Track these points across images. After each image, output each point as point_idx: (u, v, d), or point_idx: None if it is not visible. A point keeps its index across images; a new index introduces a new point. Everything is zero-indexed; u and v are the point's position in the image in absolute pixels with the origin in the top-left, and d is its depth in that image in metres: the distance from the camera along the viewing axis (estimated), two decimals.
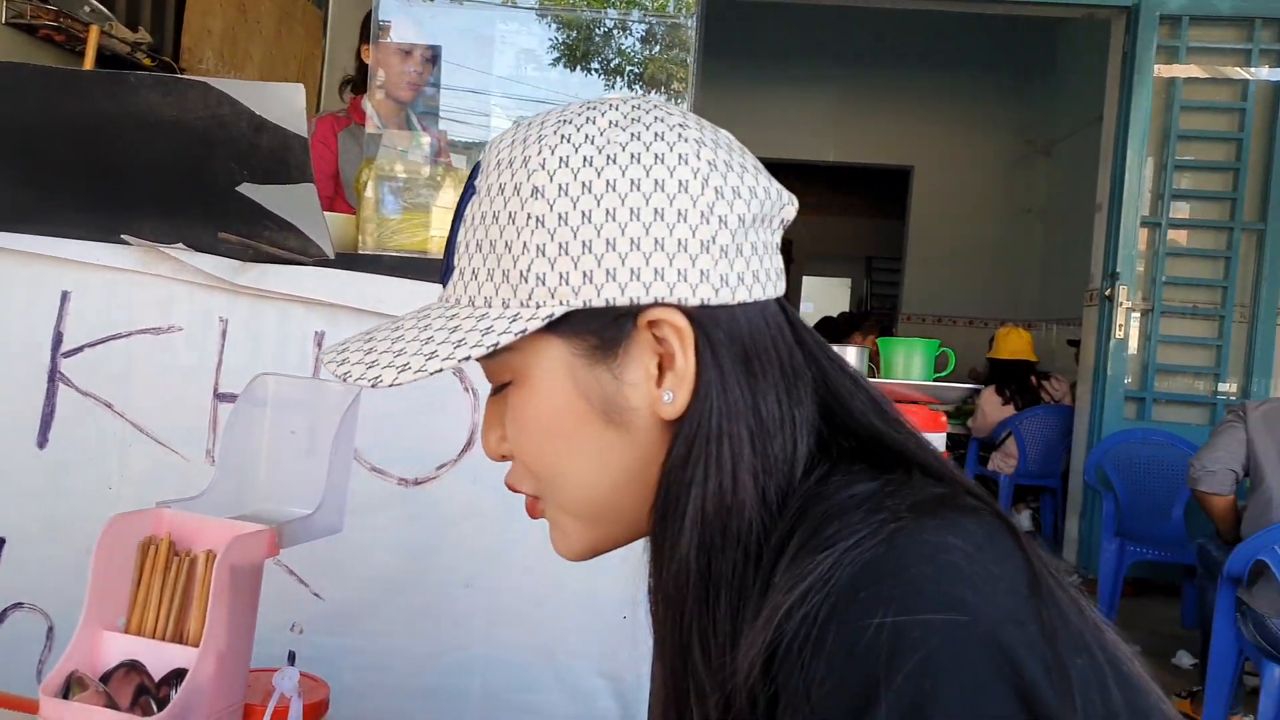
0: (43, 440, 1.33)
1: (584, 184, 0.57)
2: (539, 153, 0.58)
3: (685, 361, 0.57)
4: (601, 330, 0.58)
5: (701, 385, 0.57)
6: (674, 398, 0.58)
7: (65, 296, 1.34)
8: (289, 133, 1.19)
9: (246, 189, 1.25)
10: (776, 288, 0.61)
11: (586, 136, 0.58)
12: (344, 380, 0.60)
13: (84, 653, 0.78)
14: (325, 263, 1.30)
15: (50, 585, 1.31)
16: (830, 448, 0.58)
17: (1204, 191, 4.33)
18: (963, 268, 7.15)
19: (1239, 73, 4.23)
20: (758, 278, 0.60)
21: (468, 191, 0.62)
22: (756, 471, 0.56)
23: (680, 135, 0.59)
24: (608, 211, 0.56)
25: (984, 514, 0.50)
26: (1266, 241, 4.22)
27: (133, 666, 0.76)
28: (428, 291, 1.28)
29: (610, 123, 0.59)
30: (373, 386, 0.58)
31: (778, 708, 0.48)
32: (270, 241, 1.29)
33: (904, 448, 0.58)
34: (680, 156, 0.58)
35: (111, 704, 0.73)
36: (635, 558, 1.33)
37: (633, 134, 0.58)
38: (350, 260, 1.30)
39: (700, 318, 0.58)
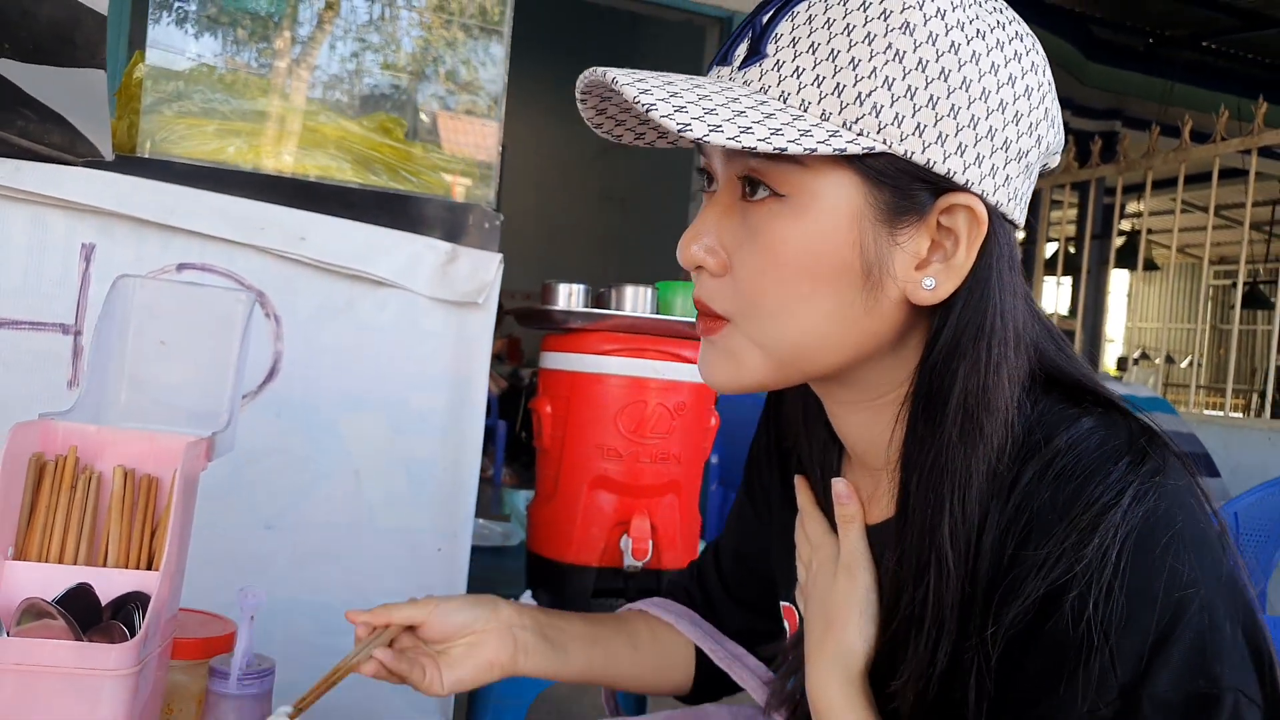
0: None
1: (952, 44, 0.56)
2: None
3: (965, 254, 0.58)
4: (901, 190, 0.57)
5: (977, 281, 0.58)
6: (935, 285, 0.58)
7: None
8: (81, 6, 1.02)
9: (3, 66, 1.04)
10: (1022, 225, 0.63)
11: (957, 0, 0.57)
12: (644, 110, 0.52)
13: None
14: (98, 164, 1.12)
15: None
16: (1034, 373, 0.61)
17: None
18: (555, 247, 7.54)
19: None
20: (1026, 207, 0.61)
21: None
22: (1012, 378, 0.58)
23: (1034, 44, 0.59)
24: (964, 80, 0.56)
25: (1159, 443, 0.57)
26: None
27: (83, 592, 0.64)
28: (232, 206, 1.16)
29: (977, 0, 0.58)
30: (678, 130, 0.51)
31: (1007, 604, 0.54)
32: (23, 133, 1.09)
33: (1091, 383, 0.61)
34: (1033, 64, 0.58)
35: (76, 633, 0.61)
36: (446, 494, 1.31)
37: (999, 21, 0.58)
38: (132, 165, 1.14)
39: (994, 217, 0.58)
